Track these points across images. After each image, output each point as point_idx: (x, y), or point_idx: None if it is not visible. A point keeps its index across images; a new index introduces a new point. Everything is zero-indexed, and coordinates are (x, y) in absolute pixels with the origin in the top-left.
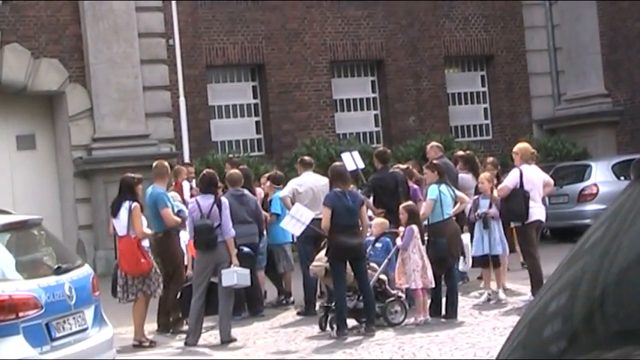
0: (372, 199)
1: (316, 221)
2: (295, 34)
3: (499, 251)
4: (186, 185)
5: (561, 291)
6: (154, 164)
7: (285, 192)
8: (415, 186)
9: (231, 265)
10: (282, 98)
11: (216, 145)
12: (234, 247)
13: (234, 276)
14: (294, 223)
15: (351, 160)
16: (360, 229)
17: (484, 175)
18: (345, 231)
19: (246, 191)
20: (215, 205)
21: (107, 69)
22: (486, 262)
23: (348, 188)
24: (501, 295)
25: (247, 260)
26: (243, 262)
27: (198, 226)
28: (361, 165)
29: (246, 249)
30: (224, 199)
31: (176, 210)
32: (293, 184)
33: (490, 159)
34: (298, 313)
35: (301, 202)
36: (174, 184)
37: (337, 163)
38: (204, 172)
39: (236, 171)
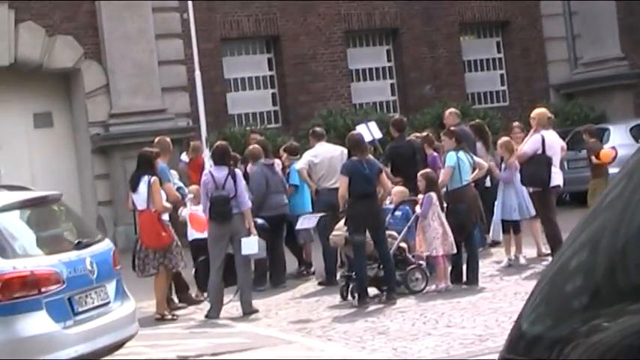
0: (389, 167)
1: (333, 191)
2: (309, 5)
3: (515, 217)
4: (207, 160)
5: (582, 247)
6: (156, 140)
7: (301, 164)
8: (435, 153)
9: (251, 235)
10: (298, 69)
11: (233, 118)
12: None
13: (256, 245)
14: (308, 219)
15: (367, 131)
16: (380, 195)
17: (500, 142)
18: (363, 199)
19: (276, 160)
20: (229, 177)
21: (122, 45)
22: (507, 228)
23: (366, 156)
24: (522, 260)
25: (262, 233)
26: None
27: (215, 197)
28: (378, 135)
29: (260, 221)
30: (238, 171)
31: (175, 187)
32: (308, 155)
33: (516, 123)
34: (319, 283)
35: (317, 173)
36: (188, 160)
37: (354, 132)
38: (217, 144)
39: (255, 146)
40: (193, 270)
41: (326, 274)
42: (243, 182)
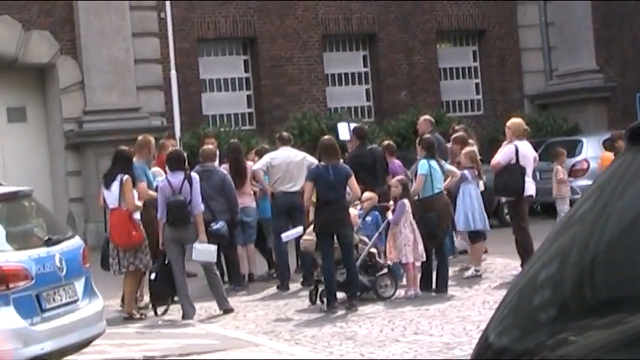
0: None
1: (289, 195)
2: (287, 8)
3: (472, 227)
4: None
5: (551, 260)
6: (139, 137)
7: (258, 165)
8: (397, 162)
9: (196, 241)
10: (274, 72)
11: (207, 119)
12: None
13: (194, 252)
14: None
15: (347, 130)
16: (348, 199)
17: (464, 151)
18: (328, 205)
19: (216, 165)
20: (186, 182)
21: (98, 41)
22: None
23: (334, 162)
24: (470, 273)
25: (215, 237)
26: (212, 239)
27: (172, 202)
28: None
29: (215, 226)
30: (194, 175)
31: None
32: (267, 157)
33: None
34: (277, 287)
35: (274, 176)
36: (156, 158)
37: (326, 137)
38: (171, 149)
39: (209, 146)
40: (153, 275)
41: (280, 280)
42: (198, 187)
